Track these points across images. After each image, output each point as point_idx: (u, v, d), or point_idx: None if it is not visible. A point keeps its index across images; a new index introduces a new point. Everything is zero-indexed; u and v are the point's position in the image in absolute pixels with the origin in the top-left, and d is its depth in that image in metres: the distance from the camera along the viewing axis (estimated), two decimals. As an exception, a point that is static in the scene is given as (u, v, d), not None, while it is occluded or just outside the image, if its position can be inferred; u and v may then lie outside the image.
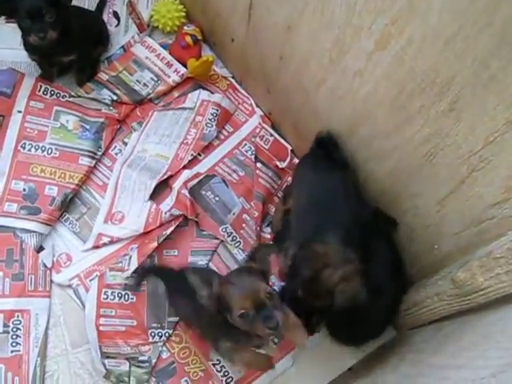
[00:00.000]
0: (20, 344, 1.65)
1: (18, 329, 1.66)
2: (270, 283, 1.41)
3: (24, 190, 1.79)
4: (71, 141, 1.85)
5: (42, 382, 1.65)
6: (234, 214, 1.78)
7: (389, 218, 1.52)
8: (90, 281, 1.71)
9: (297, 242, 1.39)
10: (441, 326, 1.43)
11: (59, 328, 1.70)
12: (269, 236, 1.77)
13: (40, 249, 1.75)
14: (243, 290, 1.14)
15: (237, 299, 1.13)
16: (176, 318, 1.69)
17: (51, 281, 1.73)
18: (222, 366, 1.67)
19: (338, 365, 1.70)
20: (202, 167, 1.84)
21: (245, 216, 1.78)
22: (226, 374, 1.66)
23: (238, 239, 1.76)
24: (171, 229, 1.69)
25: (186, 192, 1.74)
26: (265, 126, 1.93)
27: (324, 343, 1.72)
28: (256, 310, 1.11)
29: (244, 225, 1.77)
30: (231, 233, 1.76)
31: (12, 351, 1.64)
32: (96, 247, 1.75)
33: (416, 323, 1.57)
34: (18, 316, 1.68)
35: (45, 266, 1.72)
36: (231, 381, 1.66)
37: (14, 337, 1.65)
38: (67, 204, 1.80)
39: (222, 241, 1.76)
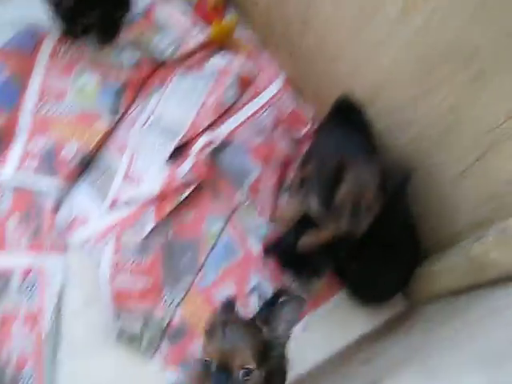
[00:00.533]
0: (35, 301, 1.66)
1: (34, 285, 1.67)
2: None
3: (43, 149, 1.78)
4: (91, 101, 1.84)
5: (57, 338, 1.65)
6: (251, 179, 1.75)
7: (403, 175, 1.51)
8: (106, 241, 1.71)
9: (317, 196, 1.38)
10: (453, 298, 1.41)
11: (74, 286, 1.71)
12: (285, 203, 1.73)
13: (57, 208, 1.76)
14: (228, 344, 1.03)
15: (213, 347, 1.03)
16: (190, 280, 1.67)
17: (67, 240, 1.73)
18: (234, 330, 1.65)
19: (348, 333, 1.70)
20: (221, 131, 1.82)
21: (262, 182, 1.75)
22: (237, 338, 1.65)
23: (255, 205, 1.73)
24: (188, 192, 1.69)
25: (204, 156, 1.73)
26: (286, 91, 1.89)
27: (336, 311, 1.72)
28: (217, 369, 1.00)
29: (261, 190, 1.74)
30: (248, 198, 1.74)
31: (28, 308, 1.65)
32: (113, 208, 1.74)
33: (428, 296, 1.55)
34: (34, 273, 1.69)
35: (61, 225, 1.72)
36: (242, 346, 1.64)
37: (30, 294, 1.66)
38: (85, 165, 1.78)
39: (238, 206, 1.73)
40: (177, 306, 1.68)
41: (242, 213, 1.77)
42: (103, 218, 1.74)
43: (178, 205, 1.69)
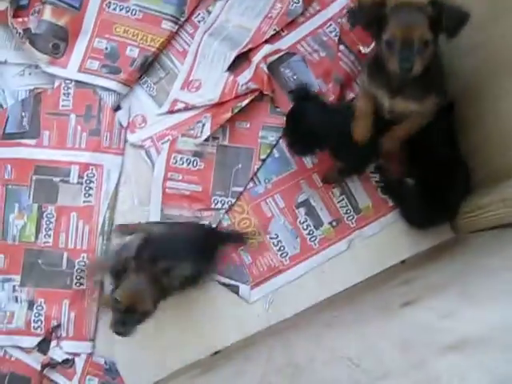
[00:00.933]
0: (92, 196, 1.74)
1: (91, 181, 1.74)
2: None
3: (106, 48, 1.82)
4: (156, 4, 1.85)
5: (110, 233, 1.73)
6: (310, 93, 1.73)
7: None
8: (162, 144, 1.76)
9: None
10: (500, 232, 1.40)
11: (129, 186, 1.77)
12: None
13: (117, 108, 1.80)
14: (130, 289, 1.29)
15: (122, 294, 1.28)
16: (240, 188, 1.70)
17: (125, 140, 1.77)
18: (279, 240, 1.69)
19: (391, 256, 1.70)
20: (284, 43, 1.80)
21: (321, 98, 1.73)
22: (282, 248, 1.70)
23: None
24: (246, 102, 1.69)
25: (264, 67, 1.72)
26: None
27: (381, 233, 1.73)
28: (125, 312, 1.28)
29: (319, 106, 1.73)
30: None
31: (84, 201, 1.74)
32: (171, 112, 1.77)
33: (475, 227, 1.55)
34: (91, 169, 1.75)
35: (120, 124, 1.77)
36: (286, 256, 1.69)
37: (87, 188, 1.74)
38: (147, 67, 1.81)
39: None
40: (225, 212, 1.70)
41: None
42: (161, 120, 1.78)
43: (235, 113, 1.67)
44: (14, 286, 1.68)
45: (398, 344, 0.82)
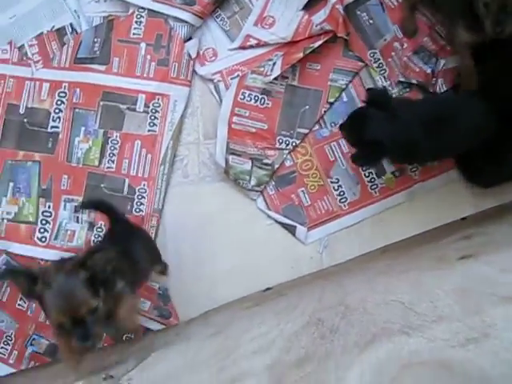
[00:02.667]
0: (156, 125, 1.76)
1: (157, 111, 1.76)
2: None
3: (181, -20, 1.79)
4: None
5: (171, 163, 1.74)
6: (385, 40, 1.72)
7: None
8: (231, 79, 1.75)
9: None
10: None
11: (195, 118, 1.78)
12: (417, 70, 1.68)
13: (188, 39, 1.78)
14: (62, 299, 1.03)
15: (54, 310, 1.03)
16: (306, 130, 1.69)
17: (194, 72, 1.78)
18: (340, 185, 1.69)
19: (452, 212, 1.69)
20: (362, -15, 1.74)
21: (395, 44, 1.71)
22: (342, 193, 1.70)
23: (384, 67, 1.72)
24: (319, 42, 1.67)
25: (340, 8, 1.69)
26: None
27: (443, 189, 1.71)
28: (73, 324, 1.02)
29: (393, 53, 1.72)
30: (378, 59, 1.72)
31: (148, 130, 1.76)
32: (242, 48, 1.77)
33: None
34: (158, 99, 1.76)
35: (189, 56, 1.77)
36: (345, 201, 1.69)
37: (152, 118, 1.76)
38: (221, 0, 1.78)
39: (367, 65, 1.70)
40: (289, 153, 1.70)
41: (366, 74, 1.73)
42: (232, 55, 1.78)
43: (307, 53, 1.65)
44: (75, 207, 1.70)
45: (453, 292, 0.82)
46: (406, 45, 1.69)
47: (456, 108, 1.47)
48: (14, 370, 1.69)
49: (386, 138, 1.36)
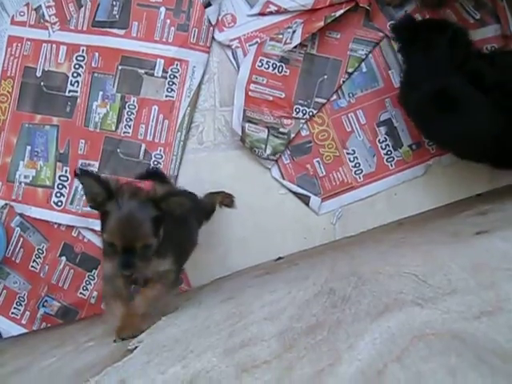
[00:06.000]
0: (174, 91, 1.74)
1: (175, 77, 1.74)
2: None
3: None
4: None
5: (188, 130, 1.75)
6: (405, 11, 1.67)
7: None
8: (250, 46, 1.74)
9: None
10: None
11: (212, 85, 1.76)
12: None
13: (207, 5, 1.76)
14: (125, 226, 1.05)
15: (112, 226, 1.05)
16: (323, 100, 1.68)
17: (213, 38, 1.75)
18: (356, 157, 1.68)
19: (468, 188, 1.68)
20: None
21: (416, 16, 1.67)
22: (358, 165, 1.69)
23: (403, 39, 1.66)
24: (341, 12, 1.64)
25: (364, -24, 1.64)
26: None
27: (460, 164, 1.68)
28: (123, 250, 1.04)
29: (415, 26, 1.66)
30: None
31: (166, 96, 1.75)
32: (262, 14, 1.74)
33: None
34: (176, 64, 1.75)
35: (209, 22, 1.74)
36: (360, 173, 1.68)
37: (170, 83, 1.75)
38: (241, -35, 1.75)
39: (388, 36, 1.67)
40: (305, 122, 1.69)
41: (387, 45, 1.70)
42: (251, 22, 1.75)
43: (328, 22, 1.63)
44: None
45: (468, 266, 0.82)
46: (427, 16, 1.64)
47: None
48: (25, 331, 1.73)
49: None
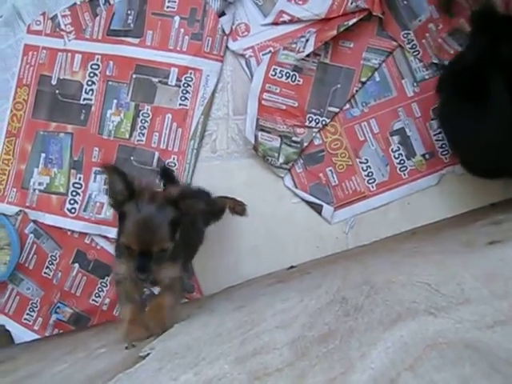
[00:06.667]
0: (188, 99, 1.76)
1: (189, 85, 1.75)
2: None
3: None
4: None
5: (201, 138, 1.75)
6: (419, 20, 1.68)
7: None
8: (263, 55, 1.74)
9: None
10: None
11: (225, 93, 1.77)
12: (452, 52, 1.65)
13: (222, 14, 1.77)
14: (143, 229, 1.05)
15: (130, 230, 1.06)
16: (336, 109, 1.68)
17: (226, 47, 1.76)
18: (368, 166, 1.67)
19: (481, 197, 1.67)
20: (399, -37, 1.70)
21: (430, 26, 1.68)
22: (370, 174, 1.69)
23: (418, 48, 1.69)
24: (354, 20, 1.64)
25: (376, -14, 1.64)
26: None
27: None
28: (139, 253, 1.04)
29: (427, 34, 1.68)
30: (412, 40, 1.69)
31: (180, 104, 1.76)
32: (275, 23, 1.75)
33: None
34: (190, 73, 1.76)
35: (223, 31, 1.75)
36: (373, 182, 1.68)
37: (184, 92, 1.76)
38: (255, -25, 1.76)
39: (401, 46, 1.67)
40: (318, 131, 1.69)
41: (400, 54, 1.70)
42: (265, 31, 1.76)
43: (341, 31, 1.63)
44: (105, 179, 1.72)
45: (481, 276, 0.81)
46: (441, 26, 1.64)
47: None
48: (38, 337, 1.74)
49: None
